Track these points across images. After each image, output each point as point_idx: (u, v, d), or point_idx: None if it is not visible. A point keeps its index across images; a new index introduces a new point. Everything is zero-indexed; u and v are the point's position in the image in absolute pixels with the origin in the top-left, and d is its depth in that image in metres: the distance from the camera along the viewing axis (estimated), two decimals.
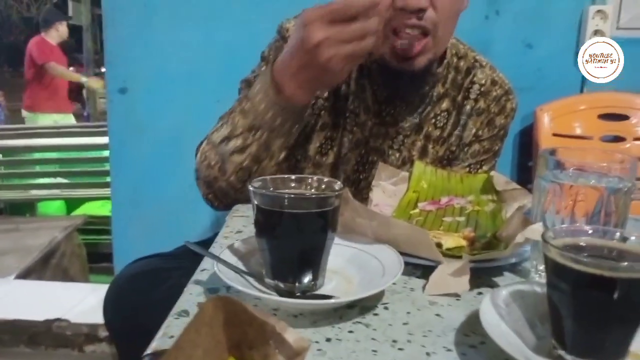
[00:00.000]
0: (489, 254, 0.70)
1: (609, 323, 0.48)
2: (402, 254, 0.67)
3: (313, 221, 0.61)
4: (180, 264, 0.87)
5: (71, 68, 5.25)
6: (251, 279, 0.63)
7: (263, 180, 0.66)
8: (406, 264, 0.65)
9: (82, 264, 3.14)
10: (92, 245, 3.35)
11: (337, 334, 0.55)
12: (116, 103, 1.95)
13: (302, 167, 1.09)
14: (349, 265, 0.68)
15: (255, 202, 0.62)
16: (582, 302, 0.48)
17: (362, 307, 0.60)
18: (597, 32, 1.82)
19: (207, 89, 1.87)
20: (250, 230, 0.72)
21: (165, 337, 0.54)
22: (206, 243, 0.83)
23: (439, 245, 0.72)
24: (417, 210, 0.90)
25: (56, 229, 3.03)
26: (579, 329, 0.49)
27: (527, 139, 1.90)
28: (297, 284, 0.62)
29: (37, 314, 2.15)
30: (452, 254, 0.71)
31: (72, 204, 4.05)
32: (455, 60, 1.11)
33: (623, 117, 1.84)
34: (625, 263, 0.49)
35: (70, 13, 8.41)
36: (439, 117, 1.10)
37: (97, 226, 3.42)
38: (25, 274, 2.51)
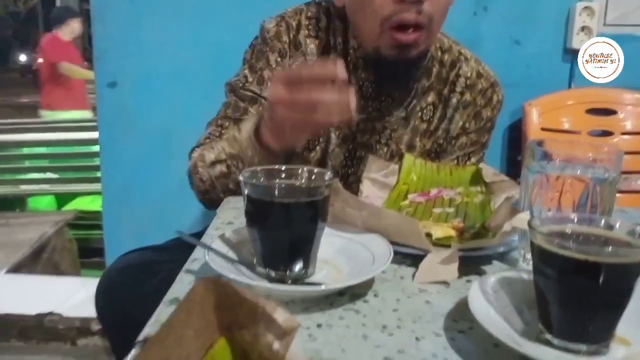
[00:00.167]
0: (477, 241, 0.71)
1: (594, 308, 0.49)
2: (392, 243, 0.67)
3: (303, 211, 0.62)
4: (171, 256, 0.87)
5: (86, 63, 5.17)
6: (243, 268, 0.64)
7: (253, 171, 0.66)
8: (396, 253, 0.66)
9: (73, 258, 3.12)
10: (83, 240, 3.32)
11: (328, 320, 0.56)
12: (105, 98, 1.95)
13: (289, 163, 1.09)
14: (339, 255, 0.69)
15: (246, 193, 0.62)
16: (568, 288, 0.49)
17: (353, 294, 0.61)
18: (584, 29, 1.84)
19: (196, 84, 1.87)
20: (240, 221, 0.72)
21: (157, 324, 0.54)
22: (197, 236, 0.83)
23: (428, 235, 0.73)
24: (407, 202, 0.91)
25: (47, 224, 3.01)
26: (565, 313, 0.50)
27: (516, 134, 1.92)
28: (288, 272, 0.62)
29: (29, 308, 2.14)
30: (442, 243, 0.72)
31: (63, 199, 4.02)
32: (439, 53, 1.11)
33: (611, 112, 1.86)
34: (610, 248, 0.50)
35: None
36: (425, 111, 1.11)
37: (87, 221, 3.40)
38: (15, 269, 2.49)
